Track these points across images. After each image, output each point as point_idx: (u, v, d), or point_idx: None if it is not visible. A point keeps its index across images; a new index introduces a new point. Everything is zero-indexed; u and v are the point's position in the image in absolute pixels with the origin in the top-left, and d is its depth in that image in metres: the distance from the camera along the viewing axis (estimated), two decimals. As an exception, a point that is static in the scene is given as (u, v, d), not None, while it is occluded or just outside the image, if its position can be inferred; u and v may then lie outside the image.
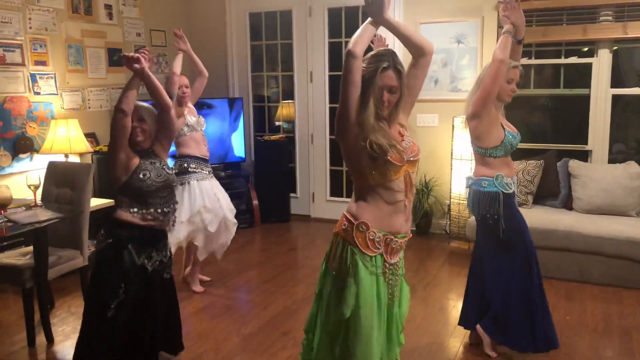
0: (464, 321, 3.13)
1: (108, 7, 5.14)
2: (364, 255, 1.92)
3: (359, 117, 1.86)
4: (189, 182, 3.81)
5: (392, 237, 1.95)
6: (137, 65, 2.50)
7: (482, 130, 2.84)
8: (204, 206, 3.79)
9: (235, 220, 4.05)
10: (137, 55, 2.52)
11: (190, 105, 4.01)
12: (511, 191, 2.89)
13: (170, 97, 3.68)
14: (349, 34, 5.73)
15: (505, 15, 2.76)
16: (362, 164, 1.88)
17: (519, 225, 2.93)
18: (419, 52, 1.95)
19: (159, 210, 2.54)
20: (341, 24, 5.66)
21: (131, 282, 2.45)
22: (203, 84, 4.08)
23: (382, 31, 2.15)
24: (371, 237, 1.92)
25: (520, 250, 2.90)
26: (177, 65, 3.79)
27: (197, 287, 4.02)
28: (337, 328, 1.96)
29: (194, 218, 3.78)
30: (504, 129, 2.87)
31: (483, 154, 2.89)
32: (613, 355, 3.05)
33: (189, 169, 3.82)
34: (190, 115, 3.92)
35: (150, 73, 2.57)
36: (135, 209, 2.49)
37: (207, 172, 3.94)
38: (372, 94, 1.84)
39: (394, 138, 1.90)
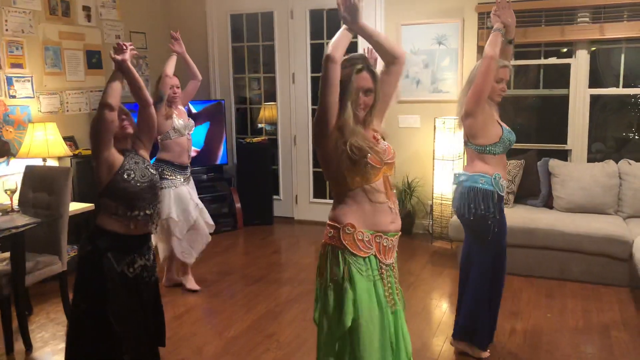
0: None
1: (86, 8, 5.08)
2: (356, 258, 1.88)
3: (338, 121, 1.86)
4: (160, 189, 3.75)
5: (382, 234, 1.92)
6: (117, 56, 2.46)
7: (478, 128, 2.83)
8: (170, 216, 3.77)
9: (211, 222, 4.06)
10: (119, 44, 2.49)
11: (180, 107, 3.98)
12: (503, 194, 2.88)
13: (161, 98, 3.68)
14: (331, 35, 5.67)
15: (496, 14, 2.79)
16: (342, 167, 1.87)
17: (503, 231, 2.94)
18: (391, 59, 1.98)
19: (143, 213, 2.50)
20: (323, 25, 5.67)
21: (112, 289, 2.42)
22: (196, 87, 4.06)
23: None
24: (359, 238, 1.89)
25: (499, 252, 2.93)
26: (170, 67, 3.76)
27: (193, 285, 4.03)
28: (342, 346, 1.89)
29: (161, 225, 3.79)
30: (500, 125, 2.88)
31: (481, 152, 2.86)
32: (593, 352, 3.09)
33: (162, 176, 3.77)
34: (179, 119, 3.87)
35: (131, 66, 2.53)
36: (120, 212, 2.45)
37: (182, 180, 3.89)
38: (349, 96, 1.86)
39: (371, 140, 1.92)
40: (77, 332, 2.46)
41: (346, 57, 1.92)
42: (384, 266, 1.93)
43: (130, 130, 2.51)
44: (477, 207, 2.81)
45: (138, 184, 2.45)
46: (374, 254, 1.90)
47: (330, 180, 1.98)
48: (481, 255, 2.91)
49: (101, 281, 2.40)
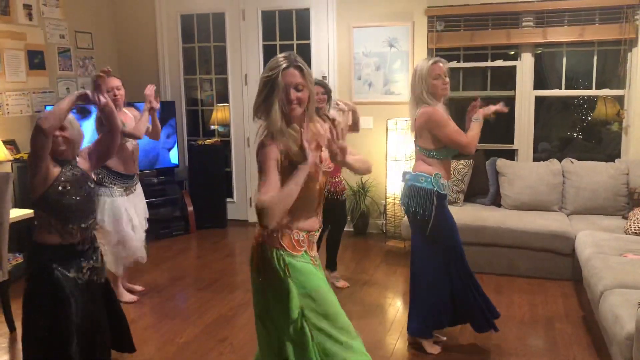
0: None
1: (27, 7, 4.87)
2: (293, 256, 1.96)
3: (265, 122, 1.89)
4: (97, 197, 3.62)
5: (312, 233, 2.04)
6: (101, 99, 2.42)
7: (430, 139, 2.94)
8: (102, 225, 3.56)
9: (141, 235, 3.85)
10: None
11: (126, 110, 3.79)
12: (445, 192, 2.98)
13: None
14: (283, 36, 5.75)
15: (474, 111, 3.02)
16: (285, 179, 1.85)
17: (450, 227, 3.03)
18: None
19: (77, 226, 2.41)
20: (275, 26, 5.65)
21: (70, 295, 2.35)
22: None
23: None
24: (296, 238, 1.97)
25: (448, 248, 3.00)
26: (140, 128, 3.61)
27: (127, 297, 3.86)
28: (302, 337, 1.92)
29: None
30: None
31: (427, 155, 2.97)
32: (538, 344, 3.19)
33: (101, 183, 3.58)
34: (124, 123, 3.65)
35: (111, 104, 2.52)
36: (53, 224, 2.36)
37: (122, 190, 3.70)
38: (277, 97, 1.85)
39: (304, 144, 1.86)
40: (32, 350, 2.38)
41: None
42: (312, 258, 2.03)
43: (63, 147, 2.40)
44: (417, 205, 2.93)
45: (72, 197, 2.37)
46: (305, 250, 2.00)
47: None
48: (425, 251, 3.01)
49: (57, 292, 2.35)
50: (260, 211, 1.72)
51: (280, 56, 1.90)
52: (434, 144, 2.95)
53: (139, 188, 3.90)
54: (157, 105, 3.77)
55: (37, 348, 2.36)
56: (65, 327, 2.33)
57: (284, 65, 1.86)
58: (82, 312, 2.39)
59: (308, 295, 1.92)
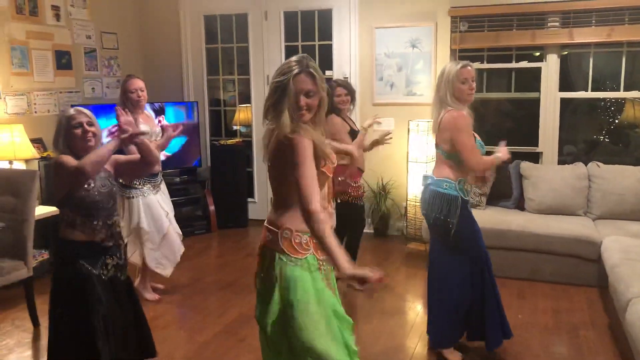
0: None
1: (55, 7, 4.96)
2: (295, 260, 1.90)
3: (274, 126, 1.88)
4: (128, 198, 3.66)
5: None
6: (137, 136, 2.47)
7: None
8: (140, 226, 3.66)
9: (179, 231, 3.95)
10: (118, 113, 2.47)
11: (147, 111, 3.84)
12: (468, 198, 2.91)
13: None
14: (305, 37, 5.74)
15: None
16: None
17: (474, 235, 2.93)
18: None
19: (102, 222, 2.45)
20: (297, 27, 5.65)
21: (95, 292, 2.38)
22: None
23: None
24: (297, 241, 1.91)
25: (472, 258, 2.90)
26: (161, 144, 3.67)
27: (150, 295, 3.90)
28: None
29: (132, 236, 3.71)
30: (474, 136, 2.88)
31: (449, 157, 2.88)
32: (562, 351, 3.13)
33: (130, 185, 3.65)
34: (144, 125, 3.70)
35: (146, 140, 2.55)
36: (79, 221, 2.40)
37: (151, 188, 3.75)
38: (287, 103, 1.83)
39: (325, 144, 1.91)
40: (59, 345, 2.41)
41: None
42: (320, 261, 1.95)
43: (92, 143, 2.43)
44: (440, 212, 2.85)
45: (96, 193, 2.41)
46: (311, 253, 1.93)
47: (278, 185, 1.98)
48: (446, 261, 2.92)
49: (84, 287, 2.38)
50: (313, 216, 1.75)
51: (292, 60, 1.88)
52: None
53: (163, 185, 3.96)
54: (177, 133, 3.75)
55: (64, 343, 2.39)
56: (92, 322, 2.35)
57: (296, 71, 1.83)
58: (108, 308, 2.42)
59: (290, 304, 1.86)
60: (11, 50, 4.55)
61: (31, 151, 4.26)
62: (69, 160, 2.33)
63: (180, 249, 3.96)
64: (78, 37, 5.24)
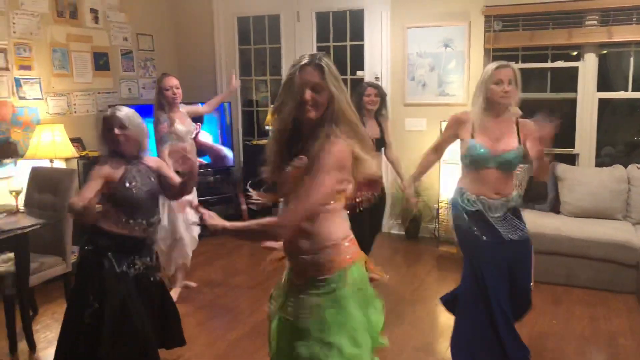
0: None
1: (94, 11, 5.11)
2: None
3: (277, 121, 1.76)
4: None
5: None
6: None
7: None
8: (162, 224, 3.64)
9: (195, 237, 3.96)
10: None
11: (182, 109, 3.84)
12: (473, 209, 2.67)
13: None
14: (337, 37, 5.74)
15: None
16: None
17: (473, 249, 2.69)
18: None
19: (145, 221, 2.49)
20: (329, 28, 5.66)
21: (110, 290, 2.42)
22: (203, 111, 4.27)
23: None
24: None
25: (484, 270, 2.65)
26: (212, 103, 4.09)
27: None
28: None
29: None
30: (474, 139, 2.69)
31: (460, 161, 2.81)
32: None
33: None
34: (180, 124, 3.73)
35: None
36: (121, 219, 2.45)
37: None
38: (291, 96, 1.67)
39: None
40: (66, 332, 2.47)
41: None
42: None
43: (125, 146, 2.46)
44: (454, 220, 2.78)
45: (140, 192, 2.45)
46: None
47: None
48: (464, 271, 2.80)
49: (101, 280, 2.41)
50: None
51: (306, 54, 1.73)
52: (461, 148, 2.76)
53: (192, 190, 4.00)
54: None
55: (71, 331, 2.46)
56: (102, 315, 2.39)
57: (303, 62, 1.67)
58: (121, 305, 2.44)
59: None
60: (52, 53, 4.70)
61: (71, 150, 4.39)
62: (75, 201, 2.39)
63: (186, 256, 3.92)
64: (115, 39, 5.37)
